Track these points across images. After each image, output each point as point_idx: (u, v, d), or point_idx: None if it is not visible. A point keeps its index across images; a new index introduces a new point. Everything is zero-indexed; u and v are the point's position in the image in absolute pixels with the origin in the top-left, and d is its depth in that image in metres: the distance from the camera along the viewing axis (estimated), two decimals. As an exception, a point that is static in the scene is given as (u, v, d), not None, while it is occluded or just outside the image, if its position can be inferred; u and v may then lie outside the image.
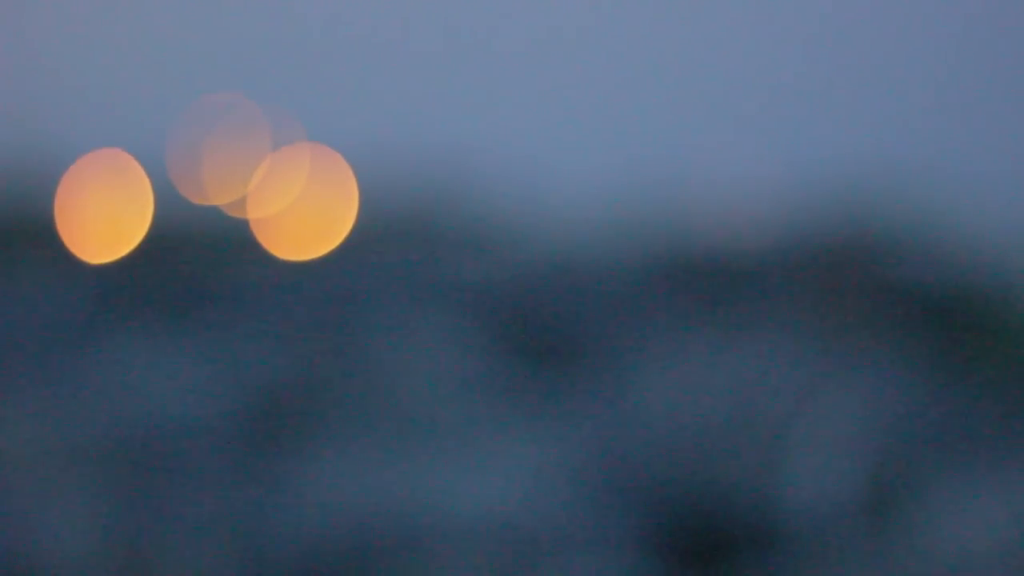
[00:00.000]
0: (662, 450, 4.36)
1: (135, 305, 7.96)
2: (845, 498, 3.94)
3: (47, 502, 3.62)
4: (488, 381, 6.85)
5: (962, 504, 3.12)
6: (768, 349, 4.56)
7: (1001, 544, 2.82)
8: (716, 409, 4.37)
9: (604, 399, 4.79)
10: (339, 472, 3.95)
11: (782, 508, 4.01)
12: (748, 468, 4.14)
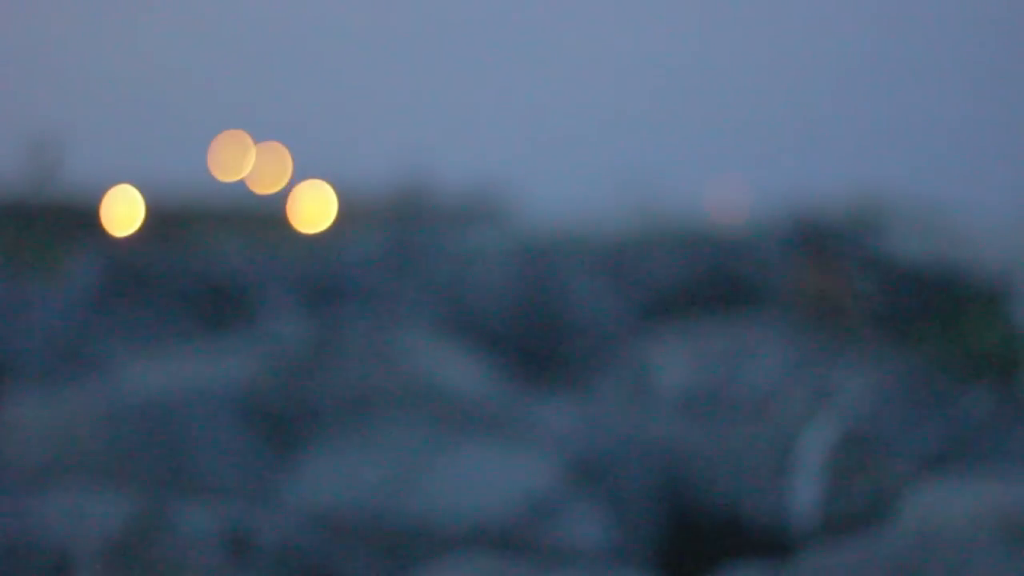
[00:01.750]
0: (658, 448, 4.37)
1: (151, 288, 8.29)
2: (841, 498, 3.95)
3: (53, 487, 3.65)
4: (487, 375, 6.84)
5: (956, 501, 3.14)
6: (764, 345, 4.57)
7: (995, 540, 2.84)
8: (711, 404, 4.38)
9: (597, 394, 4.79)
10: (335, 466, 3.94)
11: (783, 512, 4.02)
12: (746, 469, 4.15)
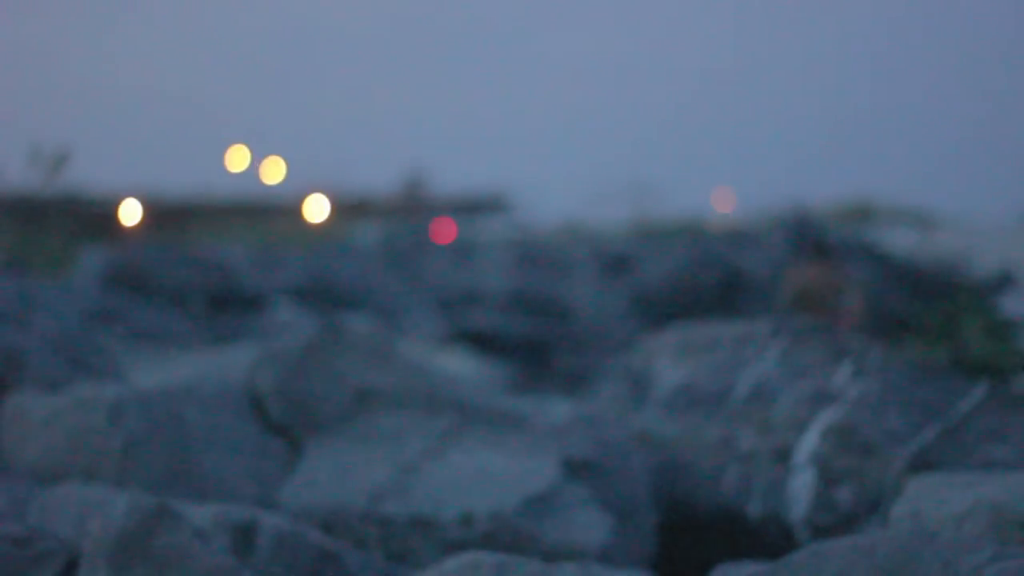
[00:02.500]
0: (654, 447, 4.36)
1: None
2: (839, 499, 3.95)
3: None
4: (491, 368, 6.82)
5: (948, 496, 3.14)
6: (763, 344, 4.55)
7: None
8: (710, 403, 4.37)
9: (597, 393, 4.79)
10: (336, 465, 3.93)
11: (781, 510, 4.02)
12: (745, 468, 4.15)
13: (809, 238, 14.38)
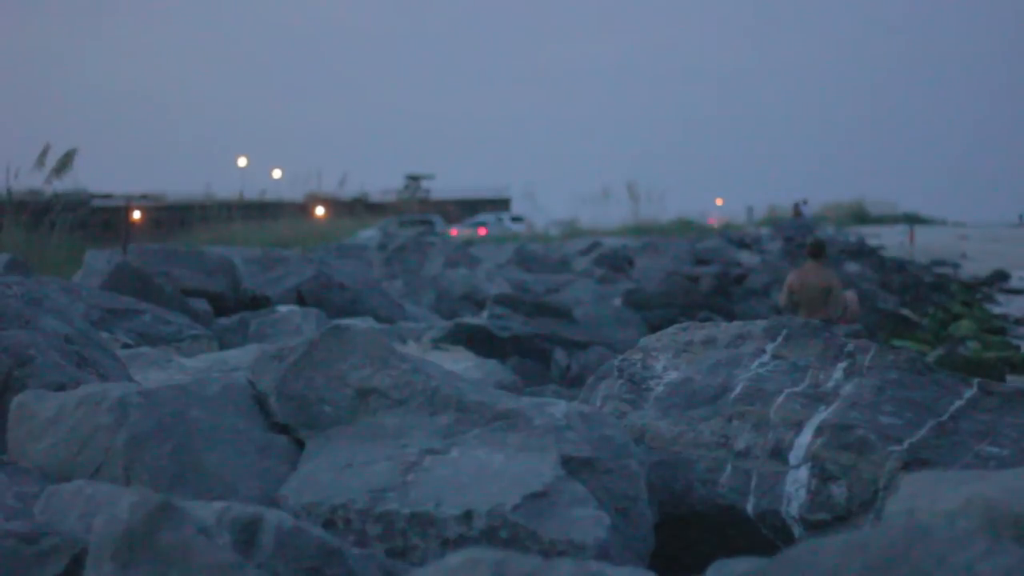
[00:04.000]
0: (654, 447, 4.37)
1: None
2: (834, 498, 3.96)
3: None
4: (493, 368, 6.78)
5: (943, 493, 3.16)
6: (761, 342, 4.54)
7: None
8: (708, 402, 4.37)
9: (597, 391, 4.79)
10: (337, 464, 3.94)
11: (778, 508, 4.03)
12: (743, 466, 4.16)
13: (810, 240, 14.42)
